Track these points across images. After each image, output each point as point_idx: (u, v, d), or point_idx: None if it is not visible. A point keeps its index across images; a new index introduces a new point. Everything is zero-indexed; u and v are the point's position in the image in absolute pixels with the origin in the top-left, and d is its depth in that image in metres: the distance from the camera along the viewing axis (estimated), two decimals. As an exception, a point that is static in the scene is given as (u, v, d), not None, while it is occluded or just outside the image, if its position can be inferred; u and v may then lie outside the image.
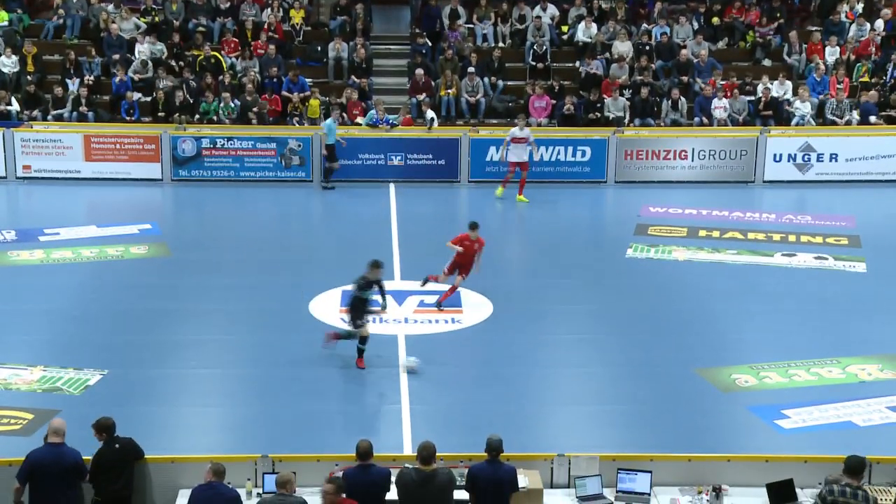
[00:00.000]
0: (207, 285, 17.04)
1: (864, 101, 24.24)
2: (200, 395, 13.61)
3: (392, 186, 22.63)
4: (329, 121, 22.40)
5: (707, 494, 10.16)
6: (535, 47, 25.58)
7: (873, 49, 25.74)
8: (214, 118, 23.84)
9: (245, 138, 22.95)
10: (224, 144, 22.87)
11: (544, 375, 14.04)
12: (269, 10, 26.27)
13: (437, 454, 9.67)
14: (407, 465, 9.84)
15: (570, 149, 22.76)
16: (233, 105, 23.95)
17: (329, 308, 16.14)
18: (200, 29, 25.95)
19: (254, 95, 24.03)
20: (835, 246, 19.17)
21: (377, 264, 14.05)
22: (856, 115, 24.25)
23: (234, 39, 25.70)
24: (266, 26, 25.96)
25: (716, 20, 26.75)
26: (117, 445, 9.93)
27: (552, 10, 26.57)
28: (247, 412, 13.10)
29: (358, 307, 13.89)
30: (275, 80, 24.66)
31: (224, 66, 25.00)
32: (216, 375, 14.11)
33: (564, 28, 26.52)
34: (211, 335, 15.31)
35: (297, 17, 26.56)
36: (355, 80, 24.94)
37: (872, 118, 23.98)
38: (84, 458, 9.84)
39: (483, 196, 22.49)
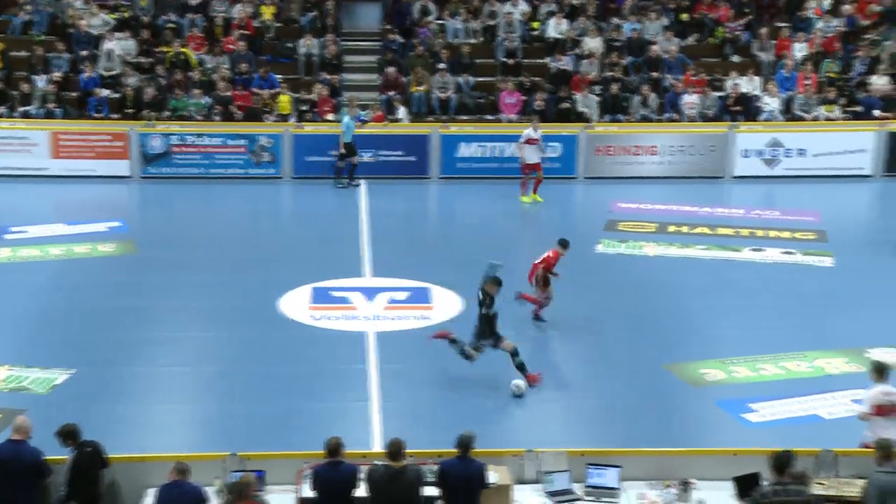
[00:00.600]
0: (176, 283, 16.96)
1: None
2: (169, 394, 13.55)
3: (363, 183, 22.58)
4: (347, 119, 22.29)
5: (675, 488, 10.22)
6: (505, 43, 25.60)
7: (839, 45, 25.96)
8: (184, 115, 23.70)
9: (215, 135, 22.86)
10: (194, 141, 22.76)
11: (513, 371, 14.04)
12: (240, 6, 26.16)
13: (408, 451, 9.68)
14: (377, 461, 9.85)
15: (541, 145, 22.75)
16: (203, 102, 23.83)
17: (299, 305, 16.11)
18: (170, 25, 25.82)
19: (226, 92, 23.93)
20: (802, 241, 19.33)
21: (498, 281, 13.59)
22: (822, 110, 24.43)
23: (202, 35, 25.57)
24: (236, 22, 25.85)
25: (685, 16, 26.86)
26: (89, 449, 9.88)
27: (523, 6, 26.60)
28: (216, 410, 13.06)
29: (489, 325, 13.44)
30: (245, 76, 24.56)
31: (194, 62, 24.88)
32: (185, 374, 14.04)
33: (535, 24, 26.55)
34: (179, 333, 15.25)
35: (267, 13, 26.47)
36: (326, 76, 24.88)
37: (876, 112, 24.11)
38: (47, 458, 9.77)
39: (454, 192, 22.51)
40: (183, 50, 25.00)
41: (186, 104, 23.75)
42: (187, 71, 24.50)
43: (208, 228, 20.14)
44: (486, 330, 13.50)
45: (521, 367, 13.52)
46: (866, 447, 10.69)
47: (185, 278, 17.16)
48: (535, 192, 21.47)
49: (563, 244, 15.61)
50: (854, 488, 10.01)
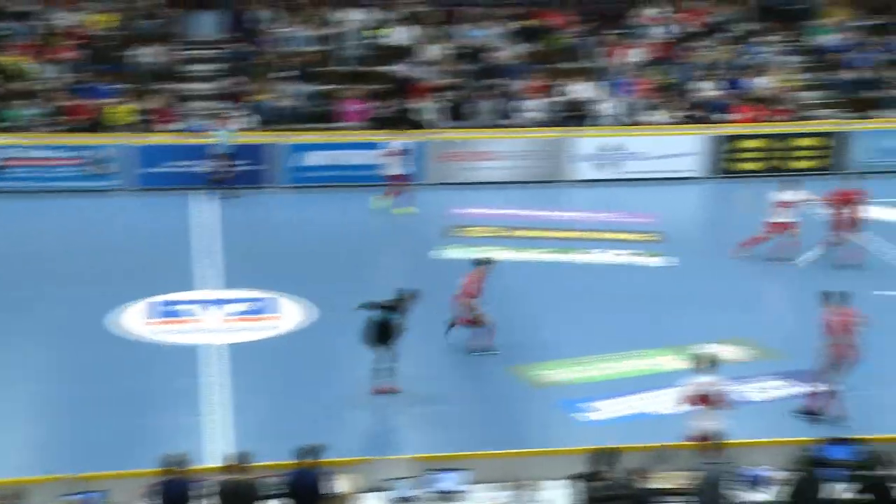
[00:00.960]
0: (5, 301, 16.41)
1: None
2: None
3: (203, 194, 22.21)
4: (223, 130, 21.97)
5: (518, 490, 10.45)
6: (349, 51, 25.63)
7: (671, 52, 26.94)
8: (17, 126, 22.89)
9: (50, 147, 22.19)
10: (28, 154, 22.03)
11: (359, 379, 14.08)
12: (77, 13, 25.44)
13: (253, 463, 9.68)
14: (222, 475, 9.80)
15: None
16: (37, 112, 23.09)
17: (137, 321, 15.79)
18: (4, 32, 24.93)
19: (62, 102, 23.25)
20: (639, 242, 19.98)
21: (411, 295, 13.70)
22: (657, 114, 25.31)
23: (40, 44, 24.77)
24: (73, 30, 25.14)
25: (526, 23, 27.39)
26: None
27: (366, 14, 26.68)
28: (48, 431, 12.73)
29: (384, 331, 13.50)
30: (83, 85, 23.91)
31: (27, 71, 24.08)
32: (11, 395, 13.64)
33: (378, 32, 26.66)
34: (6, 352, 14.77)
35: (106, 20, 25.82)
36: (166, 85, 24.44)
37: (731, 115, 25.04)
38: None
39: (301, 201, 22.40)
40: (17, 58, 24.18)
41: (20, 115, 22.98)
42: (21, 80, 23.71)
43: (43, 244, 19.47)
44: (380, 335, 13.54)
45: (381, 373, 13.57)
46: (694, 440, 11.17)
47: (15, 296, 16.62)
48: (404, 204, 21.50)
49: (480, 262, 15.43)
50: (687, 480, 10.43)
